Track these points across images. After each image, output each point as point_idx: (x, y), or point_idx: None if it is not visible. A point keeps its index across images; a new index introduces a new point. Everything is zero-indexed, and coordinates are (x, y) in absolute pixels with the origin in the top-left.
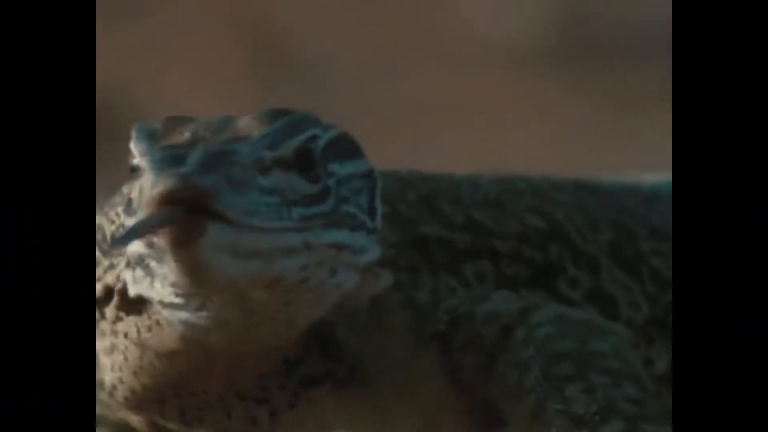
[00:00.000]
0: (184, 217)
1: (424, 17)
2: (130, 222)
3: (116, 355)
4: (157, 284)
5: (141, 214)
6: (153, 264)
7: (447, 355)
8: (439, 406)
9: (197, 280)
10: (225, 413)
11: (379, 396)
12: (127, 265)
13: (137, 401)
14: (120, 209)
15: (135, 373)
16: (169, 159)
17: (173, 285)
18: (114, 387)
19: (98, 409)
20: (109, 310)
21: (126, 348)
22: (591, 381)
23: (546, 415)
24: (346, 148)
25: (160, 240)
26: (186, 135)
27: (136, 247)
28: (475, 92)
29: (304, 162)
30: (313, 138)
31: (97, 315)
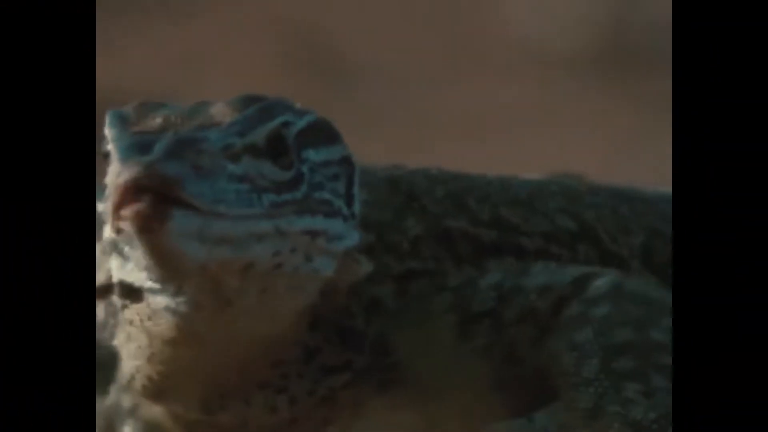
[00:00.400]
0: (149, 205)
1: (469, 22)
2: (100, 208)
3: (131, 343)
4: (133, 269)
5: (108, 202)
6: (126, 249)
7: (498, 331)
8: (490, 385)
9: (165, 265)
10: (244, 401)
11: (424, 383)
12: (109, 251)
13: (155, 390)
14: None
15: (149, 360)
16: (136, 146)
17: (146, 269)
18: (132, 376)
19: (130, 401)
20: (117, 299)
21: (137, 336)
22: (651, 383)
23: (604, 416)
24: (321, 134)
25: (127, 226)
26: (157, 121)
27: (108, 232)
28: (520, 98)
29: (276, 148)
30: (286, 124)
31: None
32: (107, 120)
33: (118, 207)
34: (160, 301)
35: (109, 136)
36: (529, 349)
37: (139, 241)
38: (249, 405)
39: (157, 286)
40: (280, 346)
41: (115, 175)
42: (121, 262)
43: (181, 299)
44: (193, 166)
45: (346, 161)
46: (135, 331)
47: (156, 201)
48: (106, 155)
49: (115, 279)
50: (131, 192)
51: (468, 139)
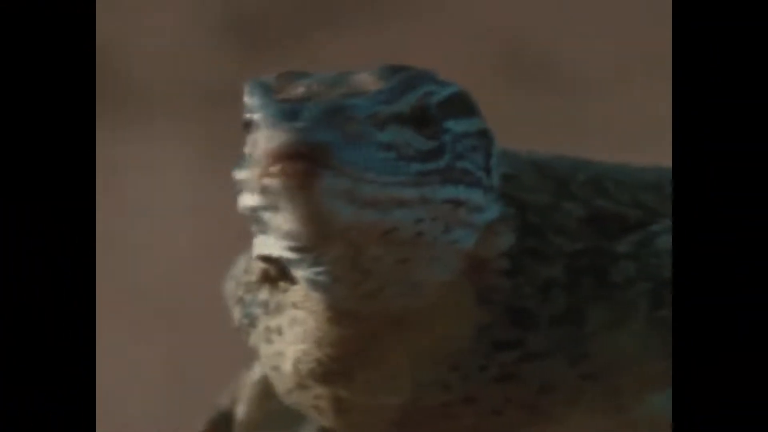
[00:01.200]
0: (302, 164)
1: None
2: (241, 175)
3: (296, 327)
4: (271, 239)
5: (256, 168)
6: (266, 216)
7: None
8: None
9: (312, 224)
10: (416, 381)
11: (619, 353)
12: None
13: (323, 372)
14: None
15: (317, 344)
16: (284, 113)
17: (286, 236)
18: (298, 360)
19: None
20: (282, 283)
21: (303, 319)
22: None
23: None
24: (461, 105)
25: (274, 183)
26: (300, 90)
27: (248, 200)
28: None
29: (420, 118)
30: (429, 94)
31: (274, 289)
32: (248, 89)
33: (266, 170)
34: (301, 274)
35: (252, 104)
36: None
37: (288, 200)
38: (420, 384)
39: (295, 255)
40: (447, 322)
41: (264, 140)
42: (260, 236)
43: (319, 269)
44: (342, 133)
45: (485, 134)
46: (301, 314)
47: (309, 163)
48: (247, 124)
49: (255, 255)
50: (282, 157)
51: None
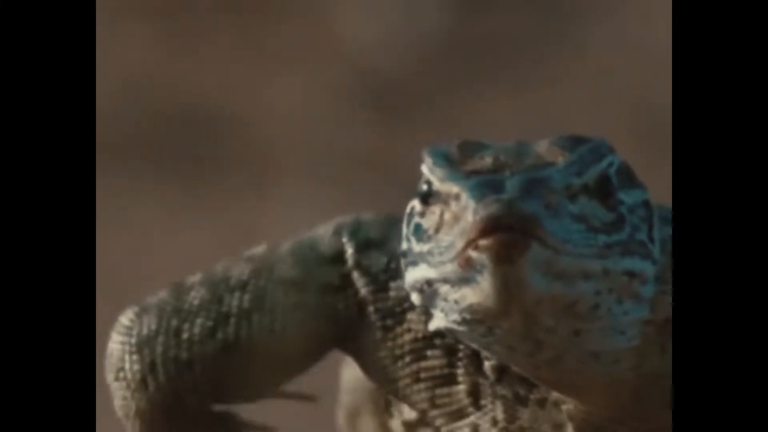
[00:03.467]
0: (514, 237)
1: None
2: (419, 248)
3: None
4: (438, 312)
5: (461, 239)
6: (443, 289)
7: None
8: None
9: (505, 296)
10: None
11: None
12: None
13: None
14: (407, 234)
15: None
16: (488, 185)
17: (468, 309)
18: None
19: None
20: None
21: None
22: None
23: None
24: (628, 175)
25: (482, 255)
26: (488, 160)
27: (424, 272)
28: None
29: (603, 189)
30: (610, 165)
31: None
32: (430, 158)
33: (473, 240)
34: (469, 343)
35: (436, 174)
36: None
37: (492, 272)
38: None
39: (465, 328)
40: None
41: (470, 213)
42: (421, 301)
43: (491, 339)
44: (545, 204)
45: (647, 204)
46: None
47: (519, 235)
48: (428, 194)
49: (432, 327)
50: (491, 228)
51: None
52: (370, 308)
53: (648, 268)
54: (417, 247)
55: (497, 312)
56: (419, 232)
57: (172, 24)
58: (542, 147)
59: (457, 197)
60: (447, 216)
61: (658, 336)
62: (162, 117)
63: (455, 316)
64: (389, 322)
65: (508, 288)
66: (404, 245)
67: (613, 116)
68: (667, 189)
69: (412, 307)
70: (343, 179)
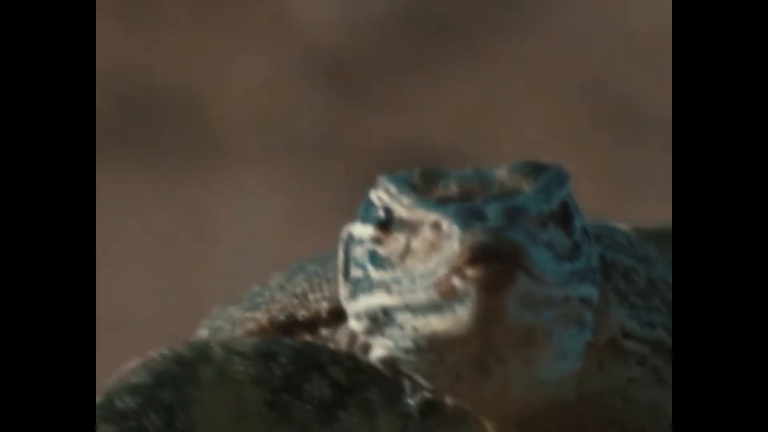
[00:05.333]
0: (502, 268)
1: None
2: (379, 275)
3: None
4: (388, 341)
5: (443, 267)
6: (400, 317)
7: None
8: None
9: (484, 325)
10: None
11: None
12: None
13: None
14: (360, 261)
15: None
16: (470, 213)
17: (425, 337)
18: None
19: None
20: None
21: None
22: None
23: None
24: (574, 201)
25: (466, 285)
26: (453, 188)
27: (380, 299)
28: None
29: (565, 216)
30: (569, 191)
31: None
32: (391, 185)
33: (459, 269)
34: (416, 372)
35: (401, 201)
36: None
37: (475, 301)
38: None
39: (414, 357)
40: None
41: (456, 240)
42: (376, 338)
43: (438, 369)
44: (526, 233)
45: (587, 229)
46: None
47: (506, 265)
48: (386, 222)
49: (374, 356)
50: (479, 257)
51: None
52: None
53: (595, 294)
54: (376, 274)
55: (461, 340)
56: (377, 260)
57: (128, 5)
58: (502, 174)
59: (435, 225)
60: (416, 244)
61: (596, 353)
62: (118, 97)
63: (407, 344)
64: None
65: (486, 317)
66: (356, 272)
67: (567, 93)
68: (625, 170)
69: None
70: (296, 156)
